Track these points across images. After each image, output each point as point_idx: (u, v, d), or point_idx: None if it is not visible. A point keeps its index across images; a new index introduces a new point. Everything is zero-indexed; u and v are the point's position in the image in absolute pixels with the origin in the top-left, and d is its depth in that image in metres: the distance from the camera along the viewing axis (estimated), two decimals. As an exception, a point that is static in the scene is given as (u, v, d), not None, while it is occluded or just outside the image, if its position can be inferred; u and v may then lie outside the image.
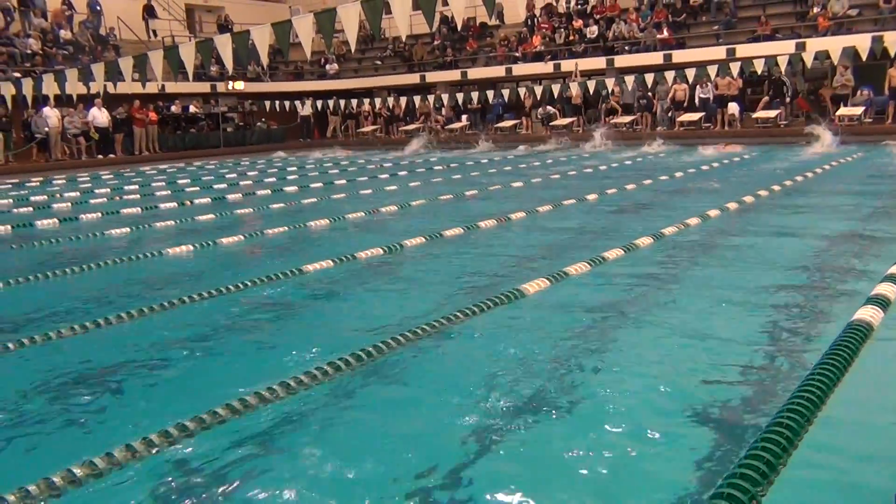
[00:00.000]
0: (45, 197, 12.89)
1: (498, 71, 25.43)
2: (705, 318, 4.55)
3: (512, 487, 2.64)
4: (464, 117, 25.79)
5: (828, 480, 2.65)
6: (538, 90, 22.91)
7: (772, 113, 19.82)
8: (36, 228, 9.29)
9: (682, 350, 4.01)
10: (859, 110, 18.46)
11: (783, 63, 18.09)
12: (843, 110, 18.69)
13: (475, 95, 23.81)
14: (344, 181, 14.11)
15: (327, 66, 29.22)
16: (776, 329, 4.25)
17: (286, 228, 8.42)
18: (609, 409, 3.28)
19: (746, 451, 2.60)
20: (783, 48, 19.24)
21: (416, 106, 25.34)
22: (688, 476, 2.66)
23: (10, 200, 12.42)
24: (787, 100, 20.33)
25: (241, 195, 12.30)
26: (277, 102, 26.15)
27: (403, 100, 24.54)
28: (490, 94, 23.61)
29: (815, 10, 20.70)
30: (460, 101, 23.73)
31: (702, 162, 14.76)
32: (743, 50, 20.38)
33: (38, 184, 15.80)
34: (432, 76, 26.88)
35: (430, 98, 24.29)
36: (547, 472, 2.77)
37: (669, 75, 19.84)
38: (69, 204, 11.70)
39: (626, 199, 10.13)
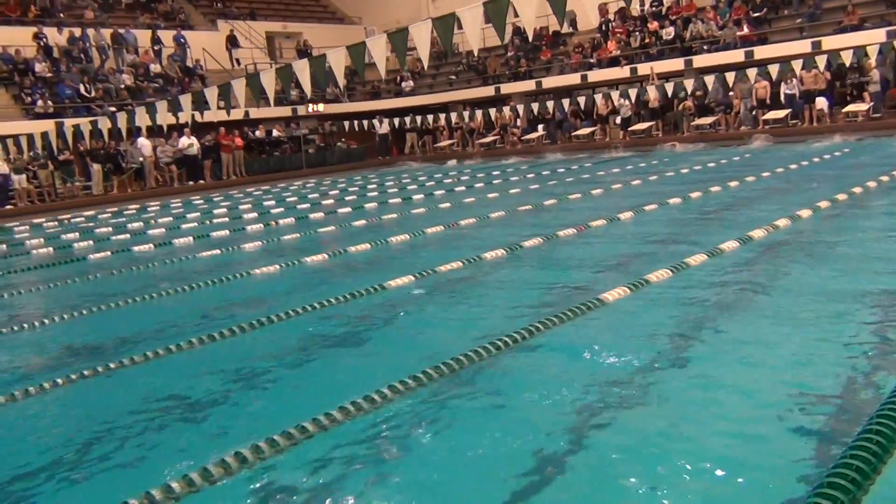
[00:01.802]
0: (141, 224, 13.55)
1: (573, 78, 25.25)
2: (793, 321, 4.39)
3: (604, 493, 2.62)
4: (540, 127, 25.69)
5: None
6: (614, 96, 22.60)
7: (863, 106, 18.95)
8: (133, 254, 9.77)
9: (769, 356, 3.89)
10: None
11: (873, 53, 17.32)
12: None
13: (550, 105, 23.70)
14: (422, 196, 14.27)
15: (403, 84, 29.68)
16: (867, 333, 4.06)
17: (368, 246, 8.58)
18: (699, 417, 3.22)
19: (836, 462, 2.50)
20: (873, 38, 18.39)
21: (493, 118, 25.40)
22: (777, 483, 2.58)
23: (110, 228, 13.11)
24: (869, 92, 19.28)
25: (323, 214, 12.61)
26: (356, 122, 26.71)
27: (479, 112, 24.65)
28: (566, 102, 23.42)
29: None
30: (535, 111, 23.66)
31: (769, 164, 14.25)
32: (829, 42, 19.58)
33: (134, 211, 16.61)
34: (507, 87, 26.92)
35: (506, 109, 24.31)
36: (631, 480, 2.73)
37: (751, 73, 19.28)
38: (163, 229, 12.26)
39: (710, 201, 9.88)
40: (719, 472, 2.74)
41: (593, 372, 3.83)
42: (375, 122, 26.94)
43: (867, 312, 4.42)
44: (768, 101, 20.53)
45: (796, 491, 2.50)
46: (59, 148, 18.33)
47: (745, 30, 21.92)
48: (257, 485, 2.94)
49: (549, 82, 25.99)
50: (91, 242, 11.27)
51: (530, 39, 25.90)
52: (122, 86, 23.71)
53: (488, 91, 27.34)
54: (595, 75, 24.77)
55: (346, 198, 15.60)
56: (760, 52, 21.06)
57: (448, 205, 12.48)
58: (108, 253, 9.81)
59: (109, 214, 16.36)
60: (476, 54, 27.44)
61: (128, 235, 11.88)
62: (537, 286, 5.97)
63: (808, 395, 3.32)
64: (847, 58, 17.96)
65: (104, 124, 14.71)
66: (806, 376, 3.54)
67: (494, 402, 3.62)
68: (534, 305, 5.32)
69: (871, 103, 18.99)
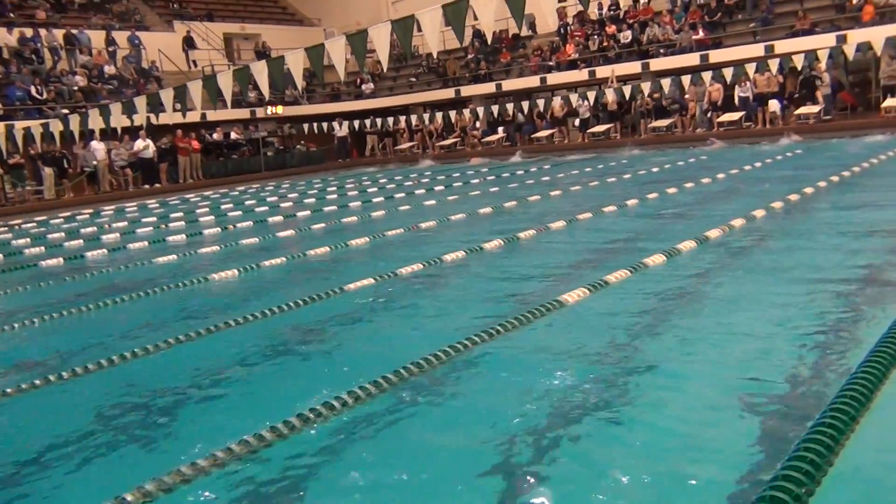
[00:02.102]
0: (95, 229, 13.26)
1: (532, 81, 25.41)
2: (751, 318, 4.46)
3: (560, 494, 2.63)
4: (500, 129, 25.81)
5: (876, 480, 2.59)
6: (574, 98, 22.81)
7: (814, 108, 19.41)
8: (87, 260, 9.55)
9: (729, 351, 3.95)
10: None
11: (824, 57, 17.76)
12: (888, 102, 18.21)
13: (510, 107, 23.82)
14: (382, 198, 14.22)
15: (363, 86, 29.57)
16: (824, 326, 4.15)
17: (328, 249, 8.51)
18: (656, 413, 3.25)
19: (790, 453, 2.55)
20: (823, 42, 18.86)
21: (453, 120, 25.46)
22: (734, 478, 2.62)
23: (63, 234, 12.81)
24: (821, 95, 19.77)
25: (282, 217, 12.49)
26: (315, 125, 26.53)
27: (439, 115, 24.67)
28: (525, 104, 23.55)
29: (854, 1, 20.26)
30: (496, 114, 23.77)
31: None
32: (782, 46, 20.02)
33: (88, 216, 16.26)
34: (467, 90, 26.99)
35: (466, 112, 24.34)
36: (594, 478, 2.75)
37: (707, 76, 19.61)
38: (118, 234, 12.02)
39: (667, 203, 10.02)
40: (673, 470, 2.77)
41: (554, 373, 3.84)
42: (335, 124, 26.79)
43: (820, 307, 4.51)
44: (720, 104, 20.94)
45: (753, 481, 2.53)
46: (10, 151, 17.87)
47: (701, 34, 22.31)
48: (214, 495, 2.88)
49: (509, 85, 26.12)
50: (43, 249, 10.99)
51: (489, 42, 26.02)
52: (76, 87, 23.19)
53: (448, 93, 27.38)
54: (554, 78, 24.97)
55: (306, 200, 15.48)
56: (715, 55, 21.44)
57: (408, 207, 12.46)
58: (61, 259, 9.57)
59: (62, 219, 15.98)
60: (436, 56, 27.64)
61: (81, 241, 11.61)
62: (498, 288, 5.98)
63: (763, 391, 3.37)
64: (799, 61, 18.38)
65: (56, 127, 14.38)
66: (763, 370, 3.60)
67: (456, 406, 3.61)
68: (495, 307, 5.32)
69: (822, 106, 19.47)
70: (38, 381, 4.39)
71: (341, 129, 26.91)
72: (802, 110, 19.56)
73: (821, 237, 6.78)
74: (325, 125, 26.45)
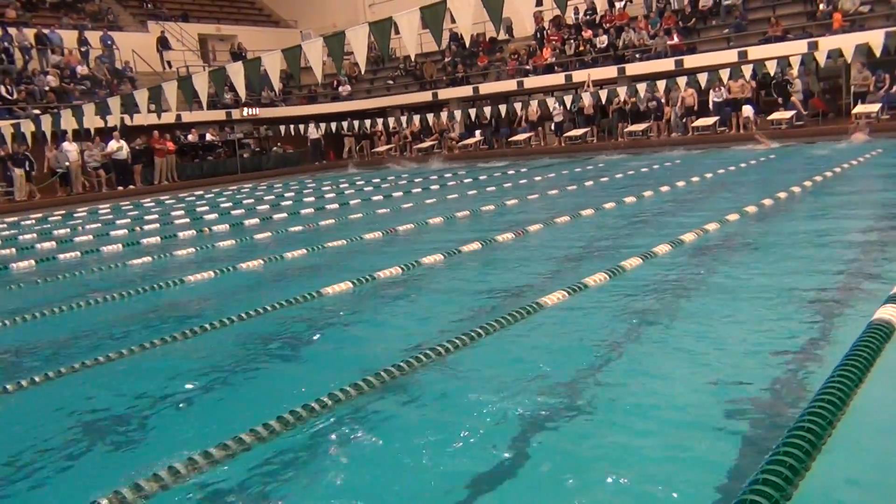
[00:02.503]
0: (68, 230, 13.07)
1: (509, 85, 25.50)
2: (726, 322, 4.50)
3: (538, 496, 2.63)
4: (477, 132, 25.87)
5: (854, 481, 2.62)
6: (550, 102, 22.94)
7: (786, 114, 19.69)
8: (59, 262, 9.41)
9: (704, 356, 3.98)
10: (876, 107, 18.28)
11: (796, 63, 18.02)
12: (859, 108, 18.52)
13: (488, 110, 23.88)
14: (359, 201, 14.18)
15: (340, 88, 29.48)
16: (798, 331, 4.20)
17: (304, 251, 8.46)
18: (632, 418, 3.26)
19: (769, 457, 2.57)
20: (795, 48, 19.14)
21: (430, 123, 25.50)
22: (711, 482, 2.64)
23: (35, 235, 12.61)
24: (794, 100, 20.09)
25: (258, 220, 12.40)
26: (292, 126, 26.42)
27: (417, 118, 24.68)
28: (503, 108, 23.63)
29: (823, 6, 20.57)
30: (473, 117, 23.83)
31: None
32: (755, 52, 20.31)
33: (60, 218, 16.02)
34: (444, 93, 27.02)
35: (444, 115, 24.35)
36: (569, 484, 2.75)
37: (682, 81, 19.82)
38: (91, 236, 11.85)
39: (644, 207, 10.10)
40: (651, 474, 2.78)
41: (531, 376, 3.84)
42: (311, 126, 26.67)
43: (794, 310, 4.57)
44: (696, 108, 21.18)
45: (729, 487, 2.55)
46: (-21, 152, 17.57)
47: (676, 39, 22.54)
48: (190, 495, 2.85)
49: (487, 88, 26.20)
50: (13, 251, 10.81)
51: (467, 45, 26.07)
52: (47, 88, 22.85)
53: (426, 96, 27.40)
54: (531, 82, 25.09)
55: (282, 203, 15.38)
56: (690, 60, 21.69)
57: (386, 210, 12.43)
58: (32, 262, 9.42)
59: (33, 221, 15.73)
60: (413, 59, 27.66)
61: (53, 243, 11.43)
62: (476, 291, 5.97)
63: (741, 396, 3.40)
64: (771, 67, 18.64)
65: (27, 127, 14.15)
66: (739, 374, 3.63)
67: (434, 409, 3.60)
68: (473, 310, 5.32)
69: (795, 111, 19.75)
70: (9, 387, 4.31)
71: (315, 132, 26.80)
72: (775, 116, 19.83)
73: (797, 241, 6.86)
74: (301, 127, 26.34)
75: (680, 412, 3.30)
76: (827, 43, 18.70)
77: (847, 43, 17.22)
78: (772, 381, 3.52)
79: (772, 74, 19.45)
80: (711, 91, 20.65)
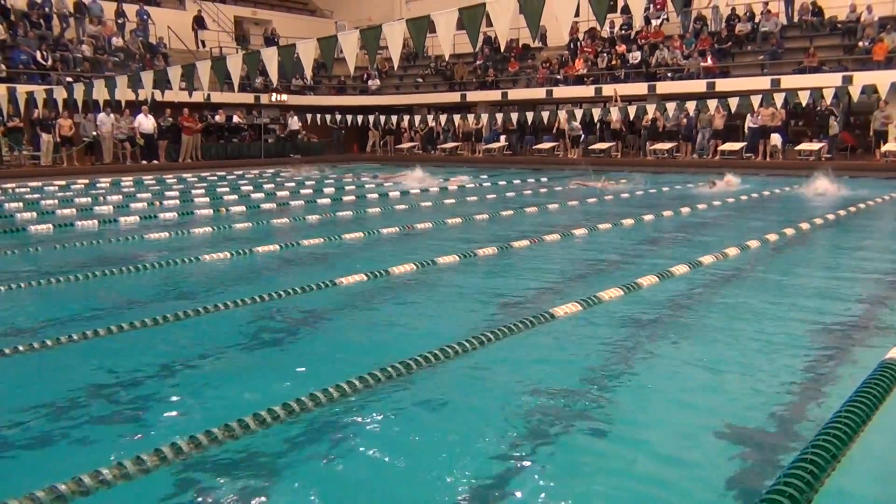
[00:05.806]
0: (89, 199, 13.17)
1: (538, 93, 25.47)
2: (736, 351, 4.47)
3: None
4: (502, 138, 25.83)
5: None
6: (578, 113, 22.86)
7: (815, 146, 19.52)
8: (77, 229, 9.49)
9: (711, 383, 3.95)
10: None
11: (829, 95, 17.86)
12: (888, 146, 18.34)
13: (515, 116, 23.83)
14: (377, 195, 14.20)
15: (369, 82, 29.54)
16: (807, 365, 4.16)
17: (321, 240, 8.48)
18: (637, 435, 3.24)
19: (771, 486, 2.54)
20: (829, 80, 18.98)
21: (456, 124, 25.48)
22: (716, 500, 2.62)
23: (56, 201, 12.72)
24: (832, 133, 19.97)
25: (276, 205, 12.44)
26: (318, 116, 26.48)
27: (443, 118, 24.66)
28: (529, 115, 23.58)
29: (863, 43, 20.40)
30: (500, 121, 23.79)
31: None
32: (788, 81, 20.14)
33: (83, 186, 16.15)
34: (473, 95, 27.02)
35: (470, 117, 24.31)
36: (571, 491, 2.74)
37: (712, 104, 19.70)
38: (111, 207, 11.94)
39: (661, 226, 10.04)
40: (652, 492, 2.77)
41: (537, 385, 3.82)
42: (338, 117, 26.72)
43: (808, 340, 4.52)
44: (721, 132, 21.02)
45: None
46: (10, 114, 17.73)
47: (709, 61, 22.41)
48: (184, 475, 2.85)
49: (515, 94, 26.18)
50: (34, 214, 10.91)
51: (501, 50, 26.08)
52: (81, 56, 23.05)
53: (454, 97, 27.41)
54: (560, 91, 25.03)
55: (302, 191, 15.43)
56: (722, 84, 21.56)
57: (404, 207, 12.44)
58: (51, 226, 9.50)
59: (56, 187, 15.87)
60: (446, 59, 27.66)
61: (74, 210, 11.53)
62: (488, 295, 5.96)
63: (745, 425, 3.37)
64: (804, 98, 18.48)
65: (59, 94, 14.26)
66: (747, 400, 3.60)
67: (438, 410, 3.59)
68: (484, 314, 5.31)
69: (825, 144, 19.58)
70: (7, 350, 4.33)
71: (339, 124, 26.87)
72: (803, 146, 19.66)
73: (814, 272, 6.80)
74: (328, 117, 26.40)
75: (682, 434, 3.28)
76: (862, 78, 18.53)
77: (883, 80, 17.05)
78: (776, 412, 3.49)
79: (803, 105, 19.28)
80: (749, 116, 20.44)
